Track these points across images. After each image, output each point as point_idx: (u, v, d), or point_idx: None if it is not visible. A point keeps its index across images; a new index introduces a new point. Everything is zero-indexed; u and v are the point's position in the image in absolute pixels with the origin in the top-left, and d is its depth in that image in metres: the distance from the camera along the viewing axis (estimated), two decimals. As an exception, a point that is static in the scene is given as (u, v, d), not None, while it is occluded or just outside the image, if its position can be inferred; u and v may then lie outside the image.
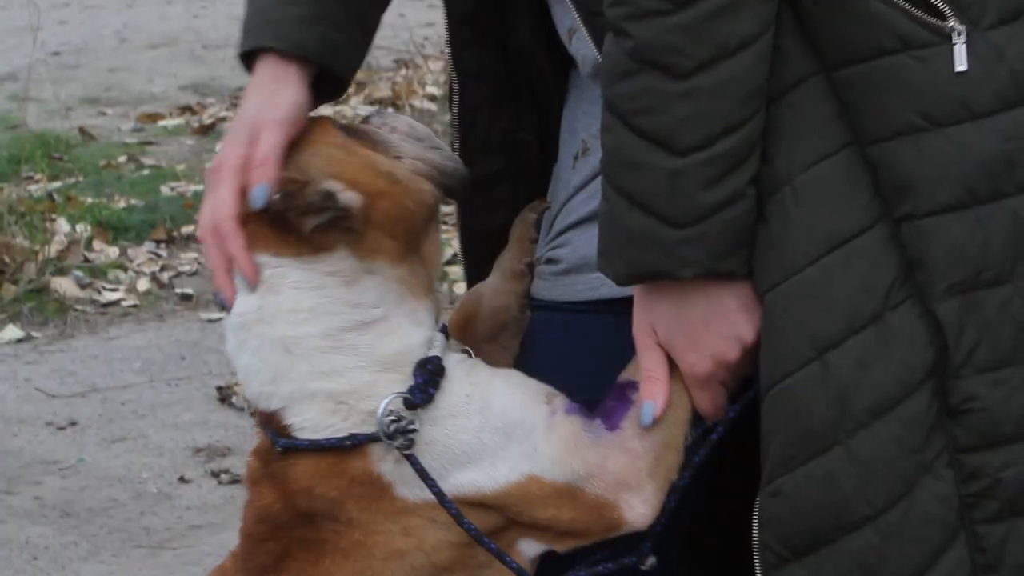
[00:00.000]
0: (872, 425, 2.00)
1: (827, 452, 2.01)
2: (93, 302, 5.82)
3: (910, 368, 2.00)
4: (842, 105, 2.02)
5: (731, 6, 1.95)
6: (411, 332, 2.12)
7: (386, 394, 2.07)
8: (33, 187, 6.65)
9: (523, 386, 2.15)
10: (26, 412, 5.12)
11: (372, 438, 2.06)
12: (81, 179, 6.83)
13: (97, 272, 5.97)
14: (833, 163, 2.02)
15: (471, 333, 2.29)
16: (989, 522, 2.02)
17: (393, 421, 2.04)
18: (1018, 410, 2.00)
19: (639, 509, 2.11)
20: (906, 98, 1.99)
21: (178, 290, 5.91)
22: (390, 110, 2.34)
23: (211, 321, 5.66)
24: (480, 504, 2.08)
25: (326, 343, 2.09)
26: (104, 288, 5.90)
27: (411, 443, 2.05)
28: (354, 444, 2.07)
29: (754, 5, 1.96)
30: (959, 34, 1.99)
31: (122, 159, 7.11)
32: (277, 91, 2.17)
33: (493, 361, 2.25)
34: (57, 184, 6.75)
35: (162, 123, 7.67)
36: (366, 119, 2.22)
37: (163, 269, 6.05)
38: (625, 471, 2.10)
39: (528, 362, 2.26)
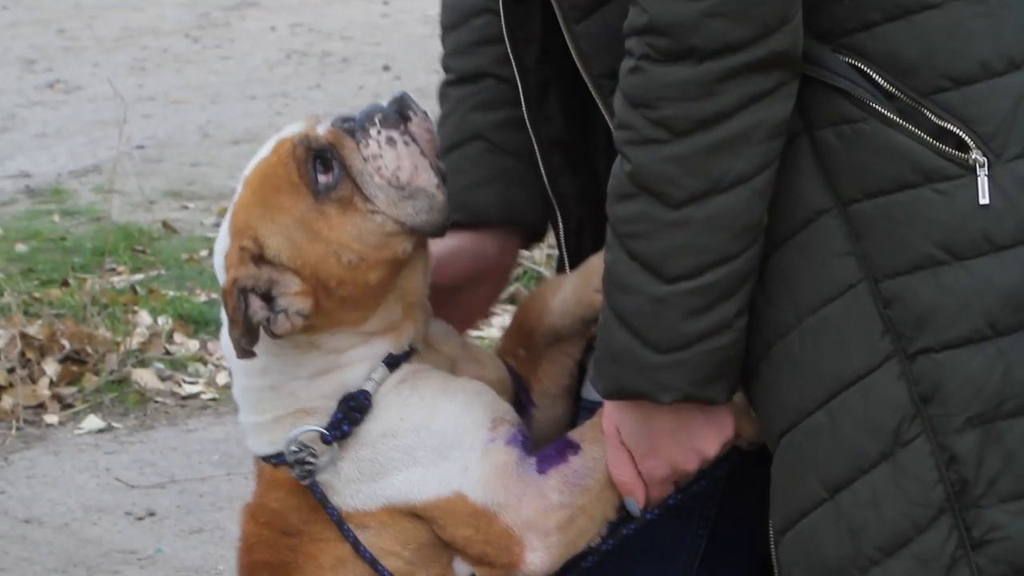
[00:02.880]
0: (885, 563, 2.01)
1: None
2: (173, 394, 5.84)
3: (920, 507, 1.99)
4: (853, 242, 2.01)
5: (730, 143, 1.96)
6: (354, 369, 2.20)
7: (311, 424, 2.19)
8: (116, 279, 6.67)
9: (469, 407, 2.20)
10: (106, 502, 5.13)
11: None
12: (163, 272, 6.86)
13: (177, 365, 5.99)
14: (841, 304, 2.02)
15: (530, 343, 2.35)
16: None
17: (294, 452, 2.17)
18: None
19: (539, 553, 2.16)
20: (926, 231, 1.99)
21: (256, 384, 5.93)
22: (384, 115, 2.19)
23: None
24: (411, 514, 2.17)
25: (271, 393, 2.22)
26: (184, 381, 5.91)
27: (308, 473, 2.17)
28: (277, 463, 2.21)
29: (756, 143, 1.96)
30: (982, 166, 1.99)
31: (204, 253, 7.14)
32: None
33: (553, 366, 2.34)
34: (139, 276, 6.77)
35: (243, 218, 7.69)
36: (363, 130, 2.19)
37: (242, 363, 6.09)
38: (536, 514, 2.16)
39: None
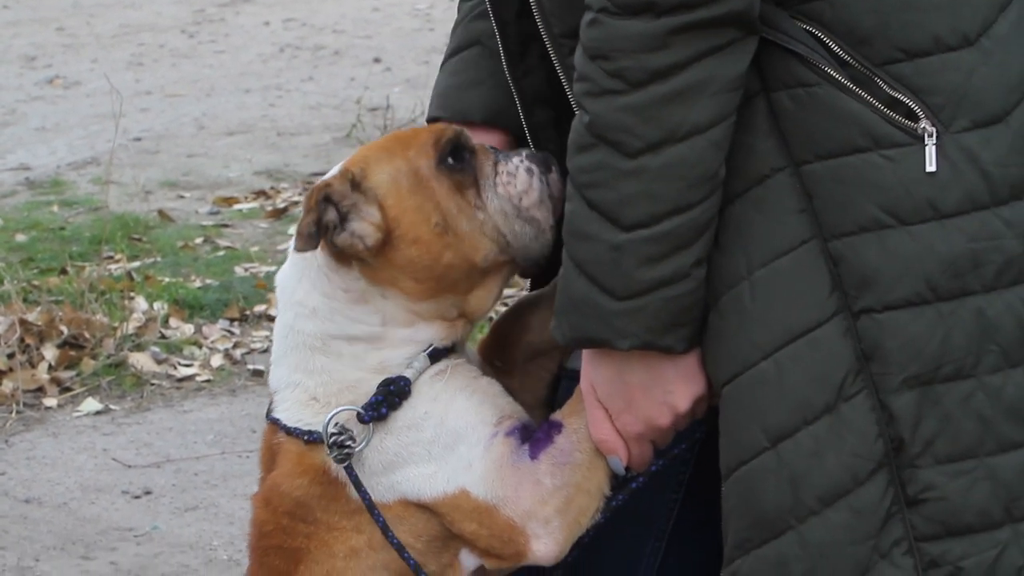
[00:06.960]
0: (823, 512, 2.03)
1: (780, 536, 2.04)
2: (169, 377, 5.87)
3: (861, 459, 2.01)
4: (806, 200, 2.02)
5: (684, 93, 1.97)
6: (398, 349, 2.21)
7: (351, 402, 2.19)
8: (113, 266, 6.71)
9: (481, 405, 2.23)
10: (103, 481, 5.17)
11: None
12: (159, 259, 6.91)
13: (173, 348, 6.02)
14: (792, 258, 2.03)
15: (507, 357, 2.37)
16: None
17: (334, 434, 2.16)
18: (981, 501, 2.02)
19: (543, 540, 2.18)
20: (873, 195, 2.01)
21: (250, 366, 5.94)
22: (538, 162, 2.27)
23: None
24: (422, 507, 2.19)
25: (317, 343, 2.21)
26: (179, 364, 5.95)
27: (346, 456, 2.15)
28: (310, 440, 2.20)
29: (710, 95, 1.97)
30: (930, 135, 2.01)
31: (198, 240, 7.19)
32: None
33: (530, 379, 2.35)
34: (136, 264, 6.81)
35: (237, 207, 7.74)
36: (507, 155, 2.26)
37: (236, 346, 6.09)
38: (534, 503, 2.18)
39: None
